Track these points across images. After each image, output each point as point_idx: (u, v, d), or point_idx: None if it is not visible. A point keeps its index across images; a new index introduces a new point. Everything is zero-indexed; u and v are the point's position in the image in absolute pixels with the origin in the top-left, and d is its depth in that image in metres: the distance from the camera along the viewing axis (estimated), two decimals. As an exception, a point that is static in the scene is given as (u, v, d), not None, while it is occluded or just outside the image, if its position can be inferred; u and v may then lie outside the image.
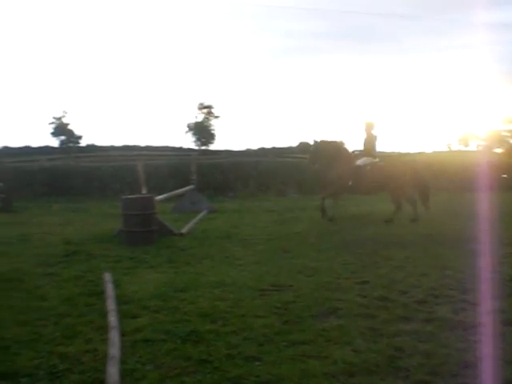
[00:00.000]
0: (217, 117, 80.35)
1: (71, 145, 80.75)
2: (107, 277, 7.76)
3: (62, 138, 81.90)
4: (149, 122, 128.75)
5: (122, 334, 5.53)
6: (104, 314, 6.18)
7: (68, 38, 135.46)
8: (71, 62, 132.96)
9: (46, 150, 74.43)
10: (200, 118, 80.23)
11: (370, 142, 14.22)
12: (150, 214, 11.15)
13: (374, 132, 14.29)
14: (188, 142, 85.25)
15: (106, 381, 4.42)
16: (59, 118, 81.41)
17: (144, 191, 12.86)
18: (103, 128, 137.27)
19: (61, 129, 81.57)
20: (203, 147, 76.94)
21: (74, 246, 10.76)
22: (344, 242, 10.76)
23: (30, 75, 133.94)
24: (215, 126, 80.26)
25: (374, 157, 14.21)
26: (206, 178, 20.67)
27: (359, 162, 13.95)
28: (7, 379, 4.63)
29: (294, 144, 72.24)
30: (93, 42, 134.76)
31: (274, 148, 71.70)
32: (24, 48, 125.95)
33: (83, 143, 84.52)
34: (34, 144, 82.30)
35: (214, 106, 79.90)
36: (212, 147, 77.69)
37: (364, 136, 14.31)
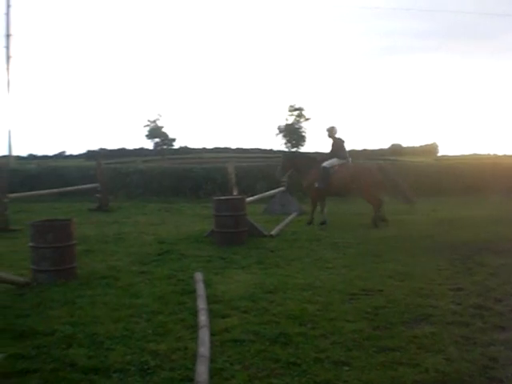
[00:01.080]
0: (308, 119, 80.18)
1: (165, 147, 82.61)
2: (198, 276, 7.86)
3: (156, 140, 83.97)
4: (240, 124, 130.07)
5: (212, 333, 5.58)
6: (194, 313, 6.27)
7: (163, 42, 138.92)
8: (166, 67, 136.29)
9: (140, 152, 76.59)
10: (290, 120, 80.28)
11: (336, 145, 14.74)
12: (241, 215, 11.24)
13: (337, 136, 14.86)
14: (278, 144, 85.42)
15: (195, 379, 4.46)
16: (154, 121, 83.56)
17: (235, 193, 12.98)
18: (196, 131, 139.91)
19: (155, 131, 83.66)
20: (293, 149, 76.92)
21: (167, 245, 11.00)
22: (436, 247, 10.48)
23: (126, 79, 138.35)
24: (306, 127, 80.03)
25: (344, 158, 14.64)
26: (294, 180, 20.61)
27: (325, 163, 14.44)
28: (100, 374, 4.76)
29: (386, 146, 71.32)
30: (186, 47, 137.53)
31: (364, 150, 70.96)
32: (121, 53, 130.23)
33: (176, 145, 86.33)
34: (130, 146, 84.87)
35: (305, 107, 79.68)
36: (302, 149, 77.57)
37: (330, 141, 14.96)
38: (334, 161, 14.46)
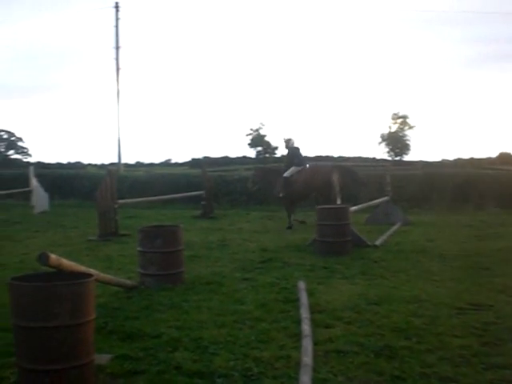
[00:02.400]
0: (412, 127, 78.44)
1: (267, 155, 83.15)
2: (301, 285, 7.84)
3: (259, 149, 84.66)
4: (342, 132, 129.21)
5: (315, 343, 5.54)
6: (297, 322, 6.25)
7: (267, 52, 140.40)
8: (270, 76, 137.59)
9: (243, 160, 77.50)
10: (394, 128, 78.81)
11: (291, 154, 16.20)
12: (345, 224, 11.13)
13: (294, 145, 16.31)
14: (381, 152, 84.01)
15: (298, 388, 4.44)
16: (256, 130, 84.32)
17: (339, 202, 12.88)
18: (298, 139, 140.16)
19: (258, 140, 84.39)
20: (397, 158, 75.45)
21: (270, 253, 11.06)
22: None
23: (230, 89, 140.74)
24: (410, 136, 78.27)
25: (301, 164, 16.01)
26: (401, 189, 20.21)
27: (286, 173, 15.91)
28: (204, 378, 4.82)
29: (494, 154, 68.75)
30: (289, 56, 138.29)
31: (472, 158, 68.68)
32: (225, 63, 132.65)
33: (278, 154, 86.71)
34: (232, 154, 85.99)
35: (409, 115, 77.96)
36: (406, 158, 75.90)
37: (286, 151, 16.56)
38: (292, 169, 15.89)
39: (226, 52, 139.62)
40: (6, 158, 77.91)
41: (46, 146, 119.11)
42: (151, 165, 76.89)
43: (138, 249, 8.34)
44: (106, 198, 13.98)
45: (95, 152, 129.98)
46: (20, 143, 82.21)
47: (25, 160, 77.73)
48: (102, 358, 5.12)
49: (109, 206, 13.95)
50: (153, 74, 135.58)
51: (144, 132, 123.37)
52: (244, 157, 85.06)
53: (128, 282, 7.99)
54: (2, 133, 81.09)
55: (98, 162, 63.99)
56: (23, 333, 4.55)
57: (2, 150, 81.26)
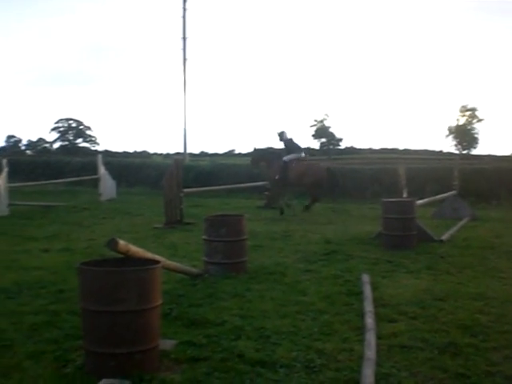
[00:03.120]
0: (481, 120, 76.51)
1: (331, 147, 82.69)
2: (365, 278, 7.77)
3: (323, 140, 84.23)
4: (408, 124, 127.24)
5: (378, 337, 5.48)
6: (361, 315, 6.20)
7: (330, 43, 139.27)
8: (334, 67, 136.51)
9: (306, 151, 77.26)
10: (462, 120, 77.03)
11: (288, 144, 17.44)
12: (411, 218, 10.96)
13: (287, 137, 17.51)
14: (448, 145, 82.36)
15: (361, 382, 4.40)
16: (321, 121, 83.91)
17: (405, 195, 12.69)
18: (363, 131, 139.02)
19: (322, 131, 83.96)
20: (464, 151, 73.80)
21: (334, 245, 11.00)
22: None
23: (294, 79, 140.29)
24: (479, 129, 76.39)
25: (300, 151, 17.47)
26: (468, 183, 19.75)
27: (285, 158, 17.00)
28: (266, 367, 4.83)
29: None
30: (352, 47, 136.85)
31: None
32: (292, 53, 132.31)
33: (342, 146, 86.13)
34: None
35: (478, 108, 76.09)
36: (474, 151, 74.18)
37: (281, 144, 17.72)
38: (292, 156, 17.05)
39: (291, 42, 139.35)
40: (75, 146, 80.00)
41: (114, 135, 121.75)
42: (215, 155, 77.59)
43: (204, 237, 8.44)
44: (172, 187, 14.19)
45: (161, 141, 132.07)
46: (88, 132, 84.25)
47: (93, 148, 79.69)
48: (167, 344, 5.20)
49: (175, 194, 14.15)
50: (219, 65, 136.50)
51: (209, 122, 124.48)
52: (308, 148, 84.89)
53: (193, 269, 8.10)
54: (71, 121, 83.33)
55: (164, 152, 65.02)
56: (90, 316, 4.67)
57: (71, 138, 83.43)
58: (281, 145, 18.00)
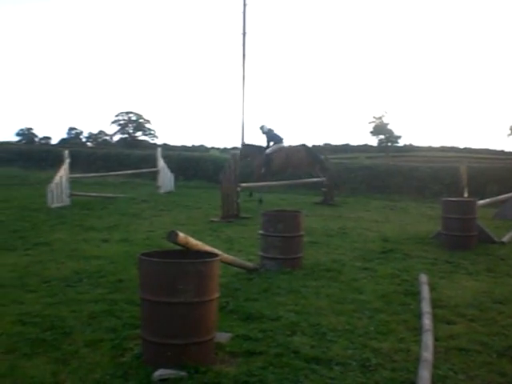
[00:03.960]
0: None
1: (389, 144, 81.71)
2: (423, 278, 7.65)
3: (381, 137, 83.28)
4: (468, 123, 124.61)
5: (436, 339, 5.40)
6: (418, 316, 6.11)
7: (391, 39, 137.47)
8: (394, 64, 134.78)
9: (364, 148, 76.57)
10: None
11: (270, 136, 18.51)
12: (471, 218, 10.73)
13: (267, 128, 18.61)
14: (510, 145, 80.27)
15: (417, 383, 4.35)
16: (379, 118, 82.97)
17: (465, 195, 12.44)
18: (422, 128, 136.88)
19: (380, 128, 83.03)
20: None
21: (391, 243, 10.87)
22: None
23: (353, 76, 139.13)
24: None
25: (280, 141, 18.42)
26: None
27: (268, 150, 18.25)
28: (321, 364, 4.82)
29: None
30: (413, 44, 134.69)
31: None
32: (347, 48, 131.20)
33: (401, 143, 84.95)
34: (353, 142, 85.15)
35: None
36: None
37: (264, 136, 18.78)
38: (274, 147, 18.23)
39: (351, 37, 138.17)
40: (134, 139, 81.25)
41: (172, 129, 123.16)
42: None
43: (260, 232, 8.46)
44: (230, 181, 14.27)
45: (218, 136, 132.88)
46: (147, 125, 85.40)
47: (151, 141, 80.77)
48: (222, 337, 5.24)
49: (232, 188, 14.22)
50: (277, 60, 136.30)
51: (266, 117, 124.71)
52: (365, 145, 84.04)
53: (249, 263, 8.13)
54: (131, 115, 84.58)
55: (221, 146, 65.42)
56: (149, 307, 4.74)
57: (131, 131, 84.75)
58: (263, 138, 19.05)
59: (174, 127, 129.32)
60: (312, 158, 18.57)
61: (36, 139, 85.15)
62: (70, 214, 14.65)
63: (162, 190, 20.86)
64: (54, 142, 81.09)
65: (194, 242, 5.24)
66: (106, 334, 5.47)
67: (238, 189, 14.44)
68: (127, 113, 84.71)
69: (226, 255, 6.72)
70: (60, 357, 4.94)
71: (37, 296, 6.90)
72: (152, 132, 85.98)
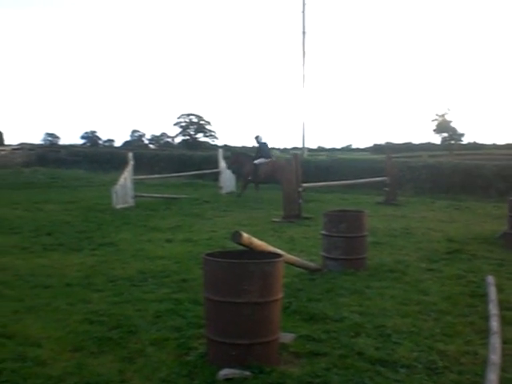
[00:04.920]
0: None
1: (452, 142, 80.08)
2: (490, 279, 7.45)
3: (444, 135, 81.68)
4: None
5: (504, 342, 5.25)
6: (485, 318, 5.95)
7: (451, 36, 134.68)
8: (455, 61, 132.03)
9: (427, 147, 75.24)
10: None
11: (261, 148, 20.19)
12: (540, 218, 10.41)
13: (262, 140, 20.31)
14: None
15: (484, 386, 4.25)
16: (442, 116, 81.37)
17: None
18: (486, 126, 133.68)
19: (443, 126, 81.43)
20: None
21: (457, 244, 10.63)
22: None
23: (413, 73, 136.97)
24: None
25: (269, 157, 20.01)
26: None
27: (256, 161, 19.75)
28: (387, 367, 4.78)
29: None
30: (476, 39, 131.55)
31: None
32: (405, 48, 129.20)
33: (465, 141, 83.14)
34: (416, 140, 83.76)
35: None
36: None
37: (257, 145, 20.49)
38: (261, 160, 19.70)
39: (411, 34, 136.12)
40: (196, 141, 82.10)
41: (232, 130, 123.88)
42: (332, 150, 77.04)
43: (322, 232, 8.42)
44: (291, 182, 14.26)
45: (278, 136, 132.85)
46: (208, 127, 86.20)
47: (212, 143, 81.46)
48: (286, 337, 5.25)
49: (293, 189, 14.21)
50: (337, 59, 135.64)
51: (326, 117, 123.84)
52: (428, 143, 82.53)
53: (312, 264, 8.11)
54: (192, 116, 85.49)
55: (281, 146, 65.41)
56: (213, 306, 4.79)
57: (192, 132, 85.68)
58: (255, 145, 20.98)
59: (234, 128, 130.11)
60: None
61: (99, 142, 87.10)
62: (134, 215, 14.95)
63: (223, 191, 21.03)
64: (117, 144, 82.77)
65: (257, 242, 5.26)
66: (171, 333, 5.56)
67: (300, 189, 14.42)
68: (188, 115, 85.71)
69: (288, 255, 6.72)
70: (126, 355, 5.05)
71: (103, 295, 7.07)
72: (212, 133, 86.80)
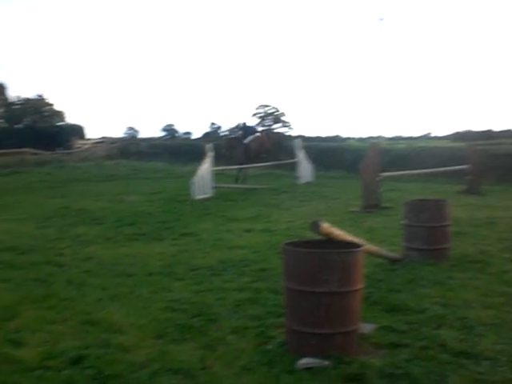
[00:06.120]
0: None
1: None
2: None
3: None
4: None
5: None
6: None
7: None
8: None
9: (508, 134, 72.77)
10: None
11: (246, 129, 22.30)
12: None
13: (245, 124, 22.93)
14: None
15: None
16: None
17: None
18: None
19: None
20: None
21: (543, 234, 10.23)
22: None
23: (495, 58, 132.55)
24: None
25: (255, 133, 22.25)
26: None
27: (245, 140, 21.38)
28: (470, 359, 4.68)
29: None
30: None
31: None
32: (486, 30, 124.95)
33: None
34: (497, 128, 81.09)
35: None
36: None
37: (241, 131, 22.97)
38: (249, 137, 21.50)
39: (492, 20, 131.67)
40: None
41: (306, 120, 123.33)
42: (410, 138, 75.57)
43: (403, 222, 8.28)
44: (370, 171, 14.09)
45: (354, 126, 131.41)
46: (283, 117, 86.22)
47: (287, 134, 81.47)
48: (366, 328, 5.21)
49: (372, 178, 14.04)
50: (415, 46, 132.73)
51: (403, 105, 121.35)
52: (509, 130, 79.69)
53: (392, 254, 7.99)
54: (268, 107, 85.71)
55: (357, 136, 64.70)
56: (293, 296, 4.80)
57: (269, 123, 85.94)
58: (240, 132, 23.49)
59: (308, 119, 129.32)
60: (276, 142, 23.54)
61: (177, 135, 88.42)
62: (213, 205, 15.14)
63: (301, 181, 21.00)
64: (195, 136, 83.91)
65: (337, 232, 5.22)
66: (251, 322, 5.62)
67: (379, 178, 14.23)
68: (264, 106, 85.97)
69: (368, 245, 6.64)
70: (207, 343, 5.14)
71: (184, 284, 7.21)
72: (288, 124, 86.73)
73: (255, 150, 21.41)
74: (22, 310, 6.19)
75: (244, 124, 23.24)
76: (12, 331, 5.54)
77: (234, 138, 23.96)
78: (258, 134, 22.63)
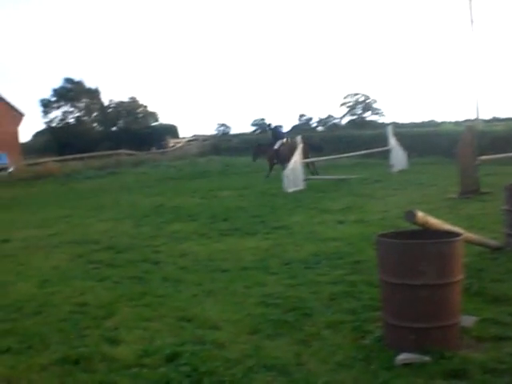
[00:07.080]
0: None
1: None
2: None
3: None
4: None
5: None
6: None
7: None
8: None
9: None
10: None
11: (275, 132, 24.05)
12: None
13: (273, 126, 24.69)
14: None
15: None
16: None
17: None
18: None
19: None
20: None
21: None
22: None
23: None
24: None
25: (282, 138, 23.29)
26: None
27: (275, 146, 22.74)
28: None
29: None
30: None
31: None
32: None
33: None
34: None
35: None
36: None
37: (271, 132, 24.97)
38: (278, 142, 22.82)
39: None
40: (363, 120, 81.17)
41: (399, 106, 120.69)
42: (509, 119, 72.59)
43: (504, 207, 7.86)
44: (467, 155, 13.56)
45: (449, 109, 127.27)
46: (375, 105, 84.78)
47: (379, 121, 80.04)
48: (467, 320, 4.97)
49: (469, 162, 13.51)
50: (507, 25, 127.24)
51: (501, 86, 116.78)
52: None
53: (493, 242, 7.61)
54: (358, 95, 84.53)
55: (452, 119, 62.75)
56: (389, 289, 4.64)
57: (359, 112, 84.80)
58: (269, 133, 25.35)
59: (401, 104, 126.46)
60: (313, 147, 22.52)
61: (267, 128, 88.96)
62: (305, 198, 15.08)
63: (394, 169, 20.57)
64: (284, 130, 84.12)
65: (433, 221, 5.00)
66: (346, 316, 5.49)
67: (477, 162, 13.68)
68: (354, 94, 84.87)
69: (467, 233, 6.35)
70: (302, 338, 5.05)
71: (278, 278, 7.16)
72: (379, 111, 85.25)
73: (285, 155, 20.93)
74: (119, 307, 6.32)
75: (275, 127, 24.27)
76: (109, 329, 5.65)
77: (262, 145, 24.68)
78: (284, 140, 23.24)
